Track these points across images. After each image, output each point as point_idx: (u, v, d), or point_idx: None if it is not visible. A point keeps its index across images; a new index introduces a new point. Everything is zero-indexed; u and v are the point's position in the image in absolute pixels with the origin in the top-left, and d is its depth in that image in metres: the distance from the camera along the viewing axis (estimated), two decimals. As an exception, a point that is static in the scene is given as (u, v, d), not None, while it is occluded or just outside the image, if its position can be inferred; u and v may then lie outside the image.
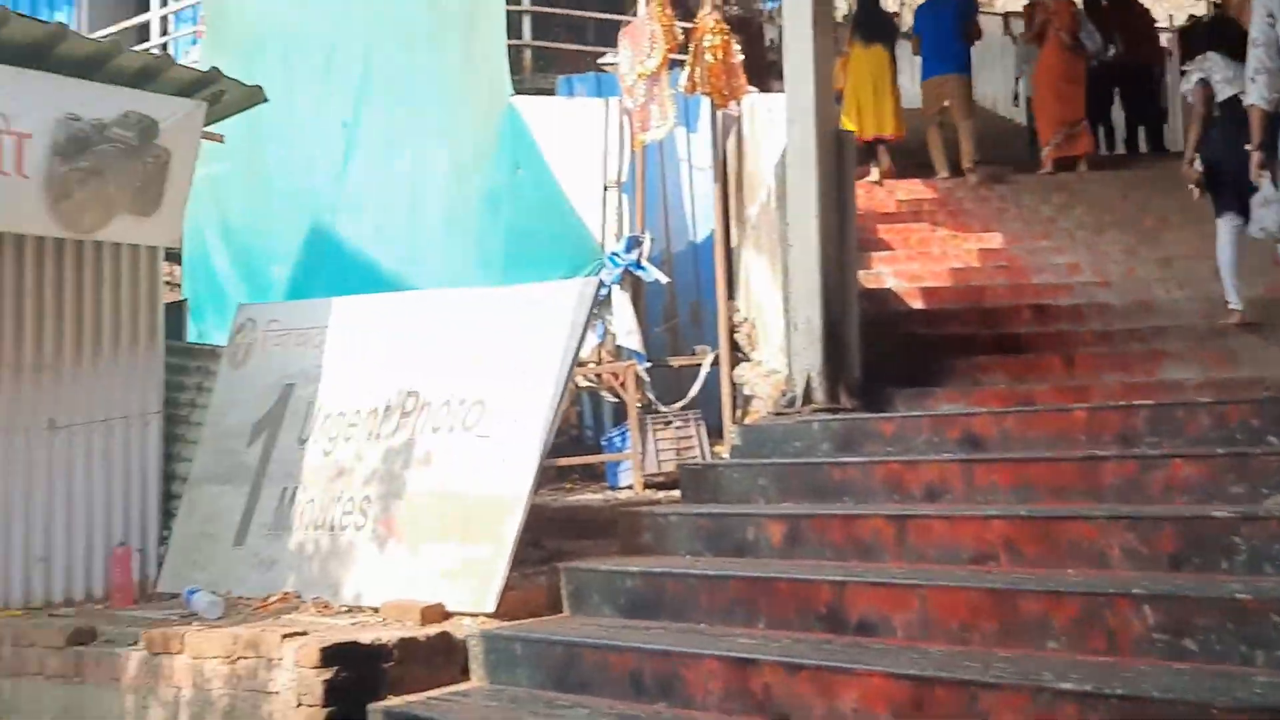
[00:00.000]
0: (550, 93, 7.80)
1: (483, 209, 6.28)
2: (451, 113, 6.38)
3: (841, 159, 4.76)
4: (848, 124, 8.84)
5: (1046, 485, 3.51)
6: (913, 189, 8.68)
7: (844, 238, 4.74)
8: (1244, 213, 5.10)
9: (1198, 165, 5.40)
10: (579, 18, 9.35)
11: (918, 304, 6.01)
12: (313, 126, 6.62)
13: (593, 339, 6.25)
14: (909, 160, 9.31)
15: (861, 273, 6.40)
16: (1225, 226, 5.29)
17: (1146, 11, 9.79)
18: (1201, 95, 5.38)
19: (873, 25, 8.96)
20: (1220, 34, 5.73)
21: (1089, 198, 7.96)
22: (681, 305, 7.42)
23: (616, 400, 6.12)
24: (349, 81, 6.52)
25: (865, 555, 3.47)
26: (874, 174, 8.64)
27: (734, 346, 6.76)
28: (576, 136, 6.37)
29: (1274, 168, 4.32)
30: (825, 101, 4.70)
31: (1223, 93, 5.28)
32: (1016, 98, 11.92)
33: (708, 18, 6.32)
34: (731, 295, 7.15)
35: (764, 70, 14.47)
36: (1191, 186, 5.50)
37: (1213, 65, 5.40)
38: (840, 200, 4.75)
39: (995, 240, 7.08)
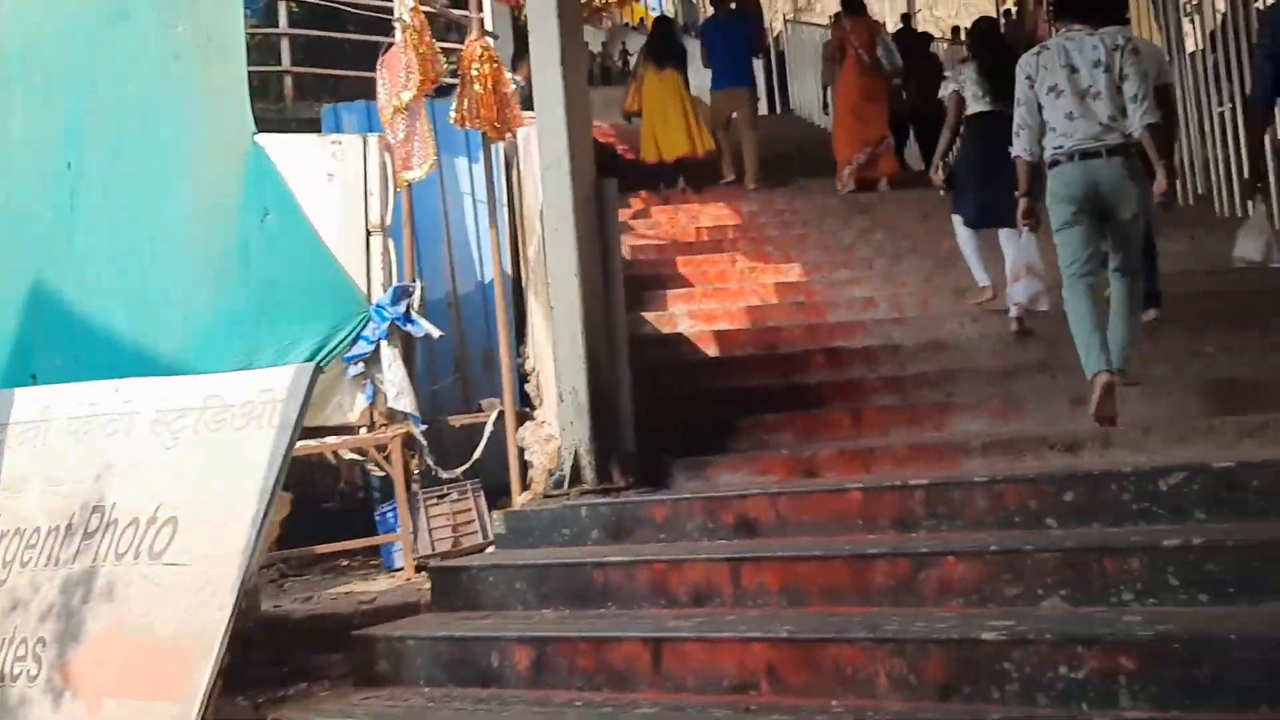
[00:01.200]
0: (315, 123, 7.15)
1: (230, 261, 5.59)
2: (192, 153, 5.67)
3: (603, 211, 4.33)
4: (648, 148, 9.19)
5: (818, 586, 3.16)
6: (718, 214, 8.40)
7: (610, 297, 4.31)
8: (980, 217, 5.61)
9: (943, 172, 5.84)
10: (347, 40, 8.70)
11: (711, 350, 5.65)
12: (32, 166, 5.79)
13: (362, 401, 5.67)
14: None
15: (655, 315, 6.04)
16: (957, 222, 5.77)
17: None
18: (954, 104, 5.71)
19: (665, 50, 9.21)
20: (988, 47, 5.81)
21: (889, 221, 7.83)
22: (473, 353, 6.89)
23: (383, 474, 5.55)
24: (71, 114, 5.72)
25: (619, 684, 3.04)
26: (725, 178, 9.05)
27: (524, 400, 6.29)
28: (333, 176, 5.75)
29: (1039, 213, 4.39)
30: (581, 148, 4.27)
31: (972, 106, 5.63)
32: (827, 106, 12.07)
33: (475, 44, 5.80)
34: (522, 339, 6.69)
35: None
36: (939, 188, 5.95)
37: (966, 78, 5.68)
38: (604, 256, 4.32)
39: (794, 272, 6.82)
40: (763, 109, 19.30)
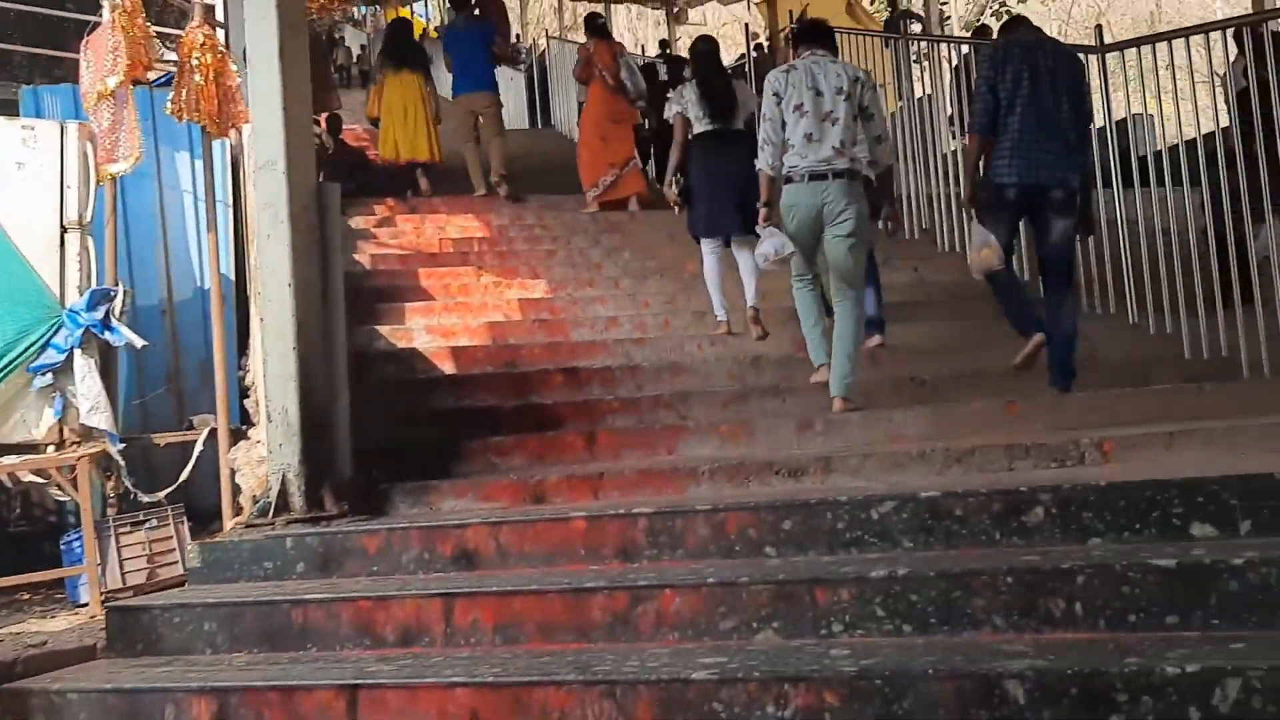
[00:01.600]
0: (13, 105, 6.40)
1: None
2: None
3: (325, 219, 4.02)
4: (387, 146, 9.09)
5: (534, 623, 3.00)
6: (466, 226, 8.16)
7: (329, 312, 4.01)
8: (714, 232, 5.84)
9: (675, 188, 6.10)
10: (52, 17, 7.90)
11: (447, 367, 5.42)
12: None
13: (50, 416, 5.05)
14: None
15: (391, 329, 5.75)
16: (706, 247, 5.92)
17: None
18: (679, 124, 6.00)
19: (403, 52, 9.20)
20: (707, 69, 6.05)
21: (638, 240, 7.83)
22: (190, 365, 6.34)
23: (68, 499, 4.96)
24: None
25: (310, 740, 2.76)
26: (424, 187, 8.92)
27: (245, 416, 5.82)
28: (24, 165, 5.12)
29: (778, 220, 4.77)
30: (299, 149, 3.95)
31: (696, 127, 5.90)
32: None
33: (196, 31, 5.32)
34: (245, 351, 6.20)
35: (328, 88, 13.53)
36: (673, 204, 6.17)
37: (688, 100, 5.93)
38: (325, 267, 4.02)
39: (540, 288, 6.68)
40: (524, 123, 19.34)
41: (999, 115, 4.66)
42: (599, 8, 30.06)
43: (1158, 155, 6.08)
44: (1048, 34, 5.01)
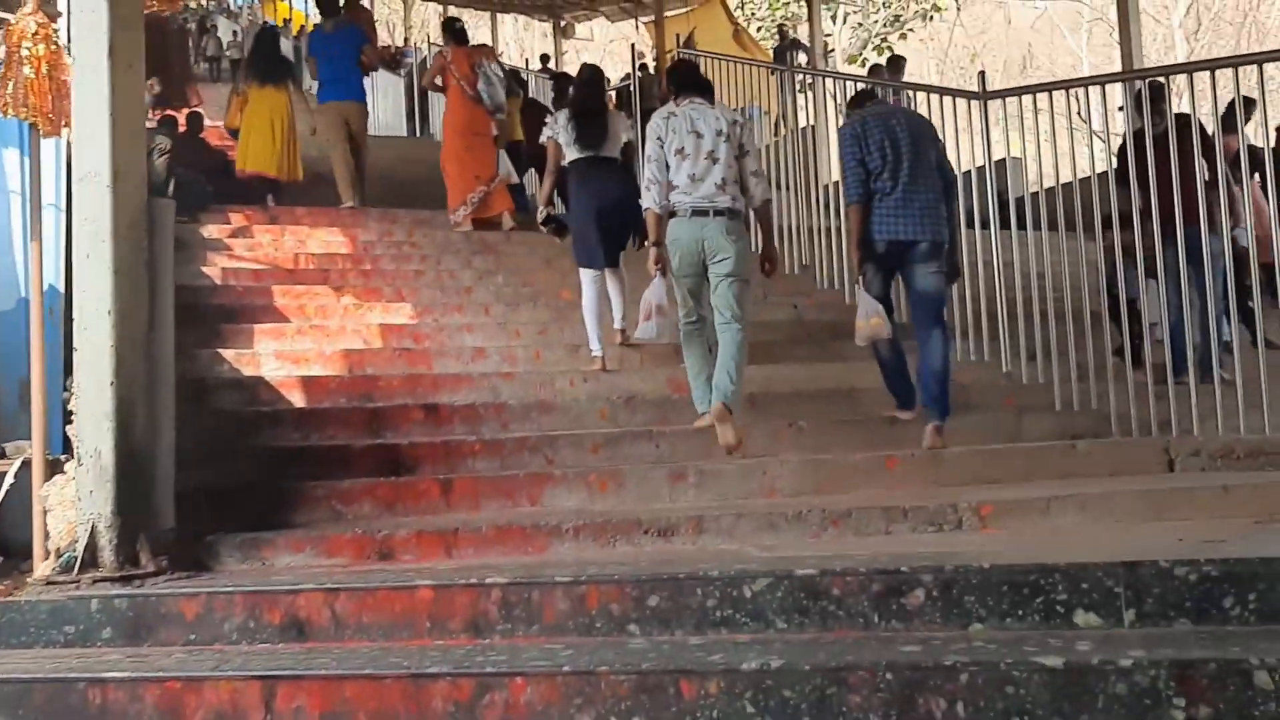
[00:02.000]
0: None
1: None
2: None
3: (155, 238, 3.61)
4: (243, 158, 8.96)
5: (368, 713, 2.66)
6: (329, 241, 7.72)
7: (157, 342, 3.59)
8: (594, 263, 5.80)
9: (544, 212, 6.18)
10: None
11: (296, 399, 5.01)
12: None
13: None
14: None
15: (236, 353, 5.32)
16: (585, 278, 5.84)
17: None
18: (552, 150, 6.02)
19: (268, 66, 9.16)
20: (581, 98, 6.07)
21: (513, 264, 7.54)
22: (8, 384, 5.75)
23: None
24: None
25: None
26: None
27: (68, 447, 5.28)
28: None
29: (666, 259, 4.88)
30: (129, 160, 3.52)
31: (568, 154, 5.90)
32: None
33: (28, 19, 4.81)
34: (70, 371, 5.66)
35: (187, 83, 12.84)
36: (543, 228, 6.26)
37: (560, 128, 5.94)
38: (154, 292, 3.60)
39: (405, 312, 6.31)
40: (402, 131, 18.81)
41: (869, 182, 4.91)
42: (484, 16, 29.69)
43: (1034, 198, 6.11)
44: (892, 103, 5.61)
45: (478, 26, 35.96)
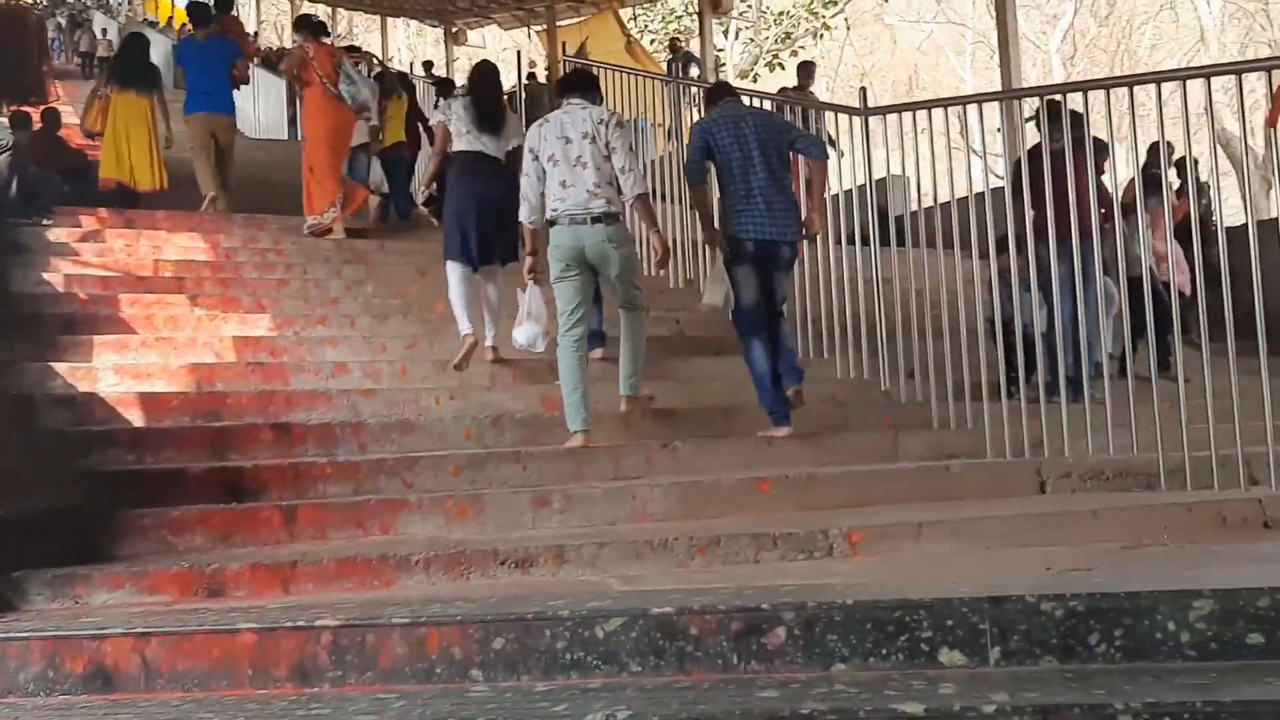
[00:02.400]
0: None
1: None
2: None
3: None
4: (108, 167, 8.61)
5: (170, 776, 2.38)
6: (189, 247, 7.31)
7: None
8: (470, 260, 5.64)
9: (426, 193, 6.07)
10: None
11: (134, 417, 4.63)
12: None
13: None
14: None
15: (71, 367, 4.96)
16: (454, 273, 5.68)
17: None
18: (441, 133, 5.86)
19: (134, 72, 8.87)
20: (488, 91, 5.93)
21: (385, 273, 7.25)
22: None
23: None
24: None
25: None
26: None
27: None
28: None
29: (540, 268, 4.96)
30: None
31: (458, 144, 5.73)
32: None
33: None
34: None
35: (34, 77, 12.15)
36: (423, 208, 6.15)
37: (454, 113, 5.76)
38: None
39: (263, 324, 5.96)
40: (282, 134, 18.22)
41: (718, 173, 5.12)
42: (373, 20, 29.04)
43: (914, 216, 6.09)
44: (748, 105, 5.58)
45: (369, 30, 35.39)
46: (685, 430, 5.11)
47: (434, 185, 6.05)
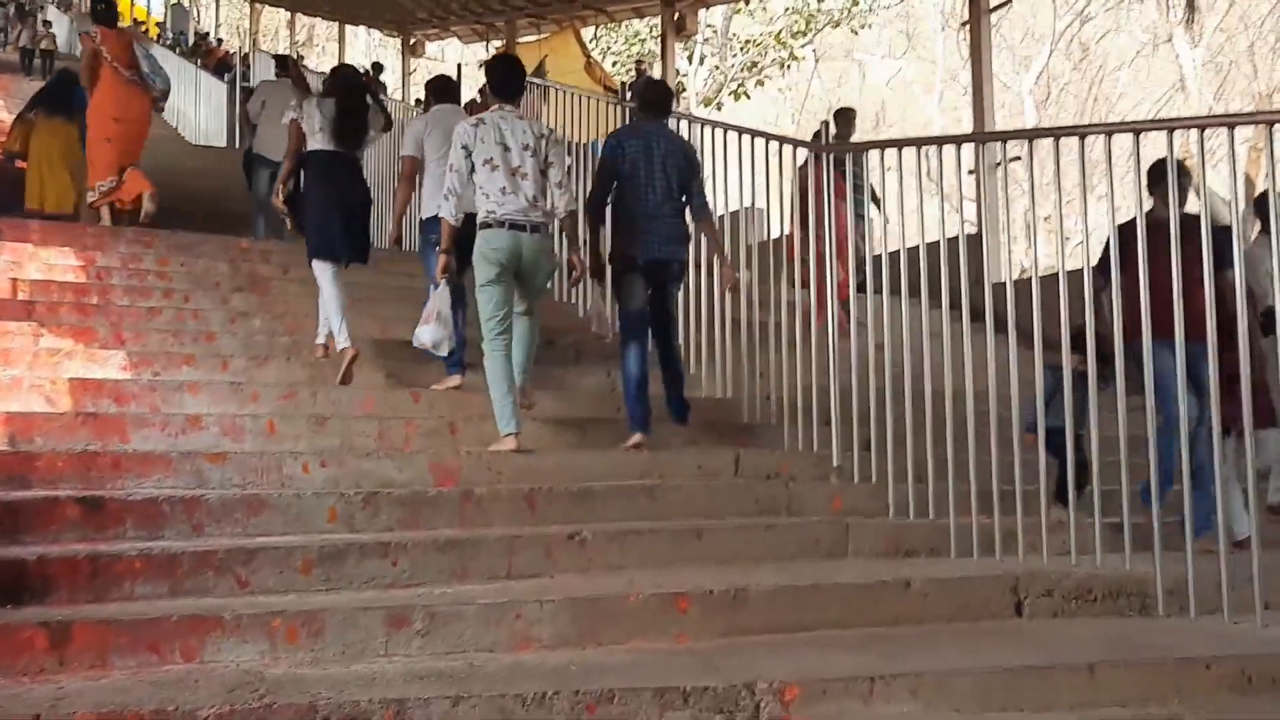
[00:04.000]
0: None
1: None
2: None
3: None
4: (32, 196, 8.59)
5: None
6: (56, 264, 6.41)
7: None
8: (336, 256, 5.52)
9: (284, 192, 5.79)
10: None
11: (-84, 482, 3.75)
12: None
13: None
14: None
15: None
16: (324, 272, 5.50)
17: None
18: (294, 132, 5.76)
19: (57, 97, 8.87)
20: (351, 94, 5.78)
21: (280, 305, 6.43)
22: None
23: None
24: None
25: None
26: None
27: None
28: None
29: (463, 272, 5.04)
30: None
31: (312, 143, 5.61)
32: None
33: None
34: None
35: None
36: (280, 214, 5.88)
37: (310, 113, 5.65)
38: None
39: (116, 363, 5.07)
40: (222, 141, 17.28)
41: (619, 196, 5.20)
42: (331, 26, 28.22)
43: (875, 260, 5.40)
44: (667, 125, 5.55)
45: (329, 39, 34.44)
46: (599, 513, 4.32)
47: (290, 185, 5.84)
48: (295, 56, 12.88)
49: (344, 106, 5.64)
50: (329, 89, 5.84)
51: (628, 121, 7.64)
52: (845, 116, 8.22)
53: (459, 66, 10.41)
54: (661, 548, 4.11)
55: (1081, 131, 4.58)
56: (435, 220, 5.50)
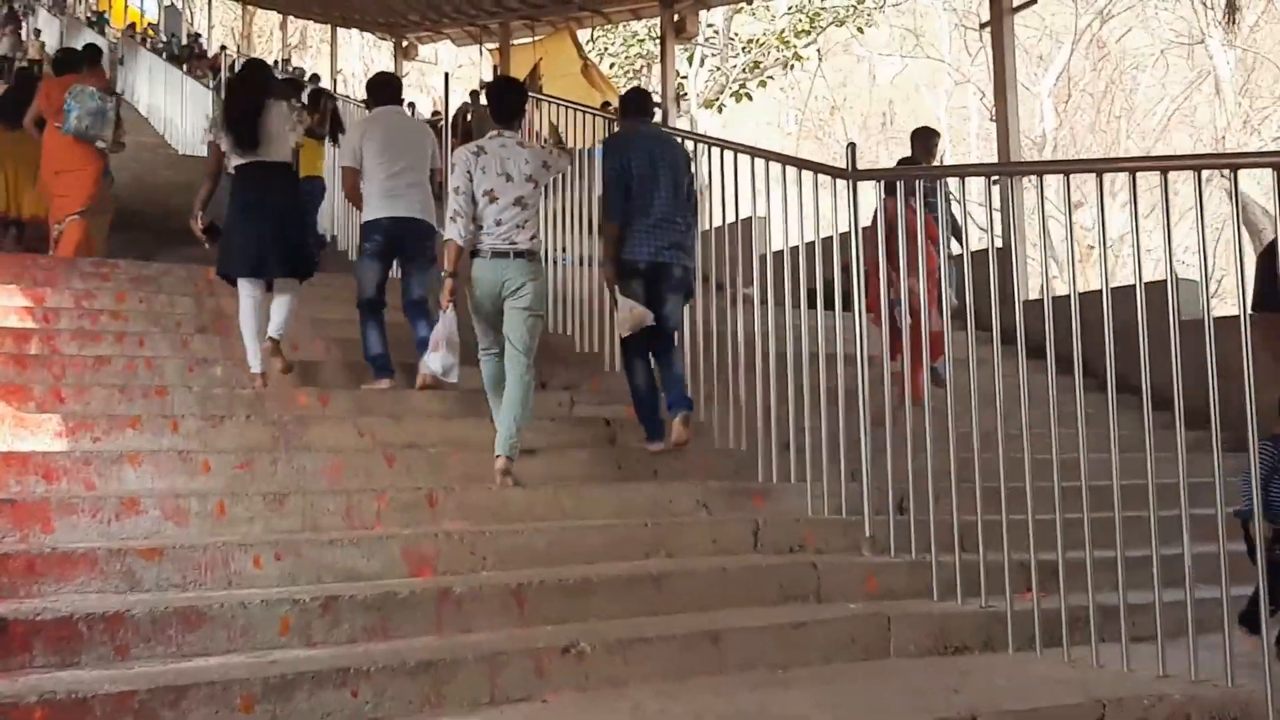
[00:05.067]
0: None
1: None
2: None
3: None
4: (2, 202, 8.48)
5: None
6: (5, 301, 5.80)
7: None
8: (257, 271, 5.34)
9: (201, 218, 5.54)
10: None
11: None
12: None
13: None
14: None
15: None
16: (244, 291, 5.36)
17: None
18: (213, 153, 5.56)
19: (17, 105, 8.58)
20: (242, 105, 5.47)
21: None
22: None
23: None
24: None
25: None
26: None
27: None
28: None
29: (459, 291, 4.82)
30: None
31: (234, 159, 5.42)
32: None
33: None
34: None
35: None
36: (198, 236, 5.61)
37: (218, 131, 5.46)
38: None
39: (49, 428, 4.42)
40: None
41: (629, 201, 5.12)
42: (324, 29, 27.65)
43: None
44: (662, 127, 5.87)
45: (322, 41, 33.83)
46: (601, 611, 3.74)
47: (203, 210, 5.59)
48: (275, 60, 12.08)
49: (231, 110, 5.44)
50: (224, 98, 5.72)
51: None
52: (925, 139, 7.15)
53: (445, 76, 9.64)
54: (672, 655, 3.52)
55: (1133, 166, 3.96)
56: (373, 224, 5.63)
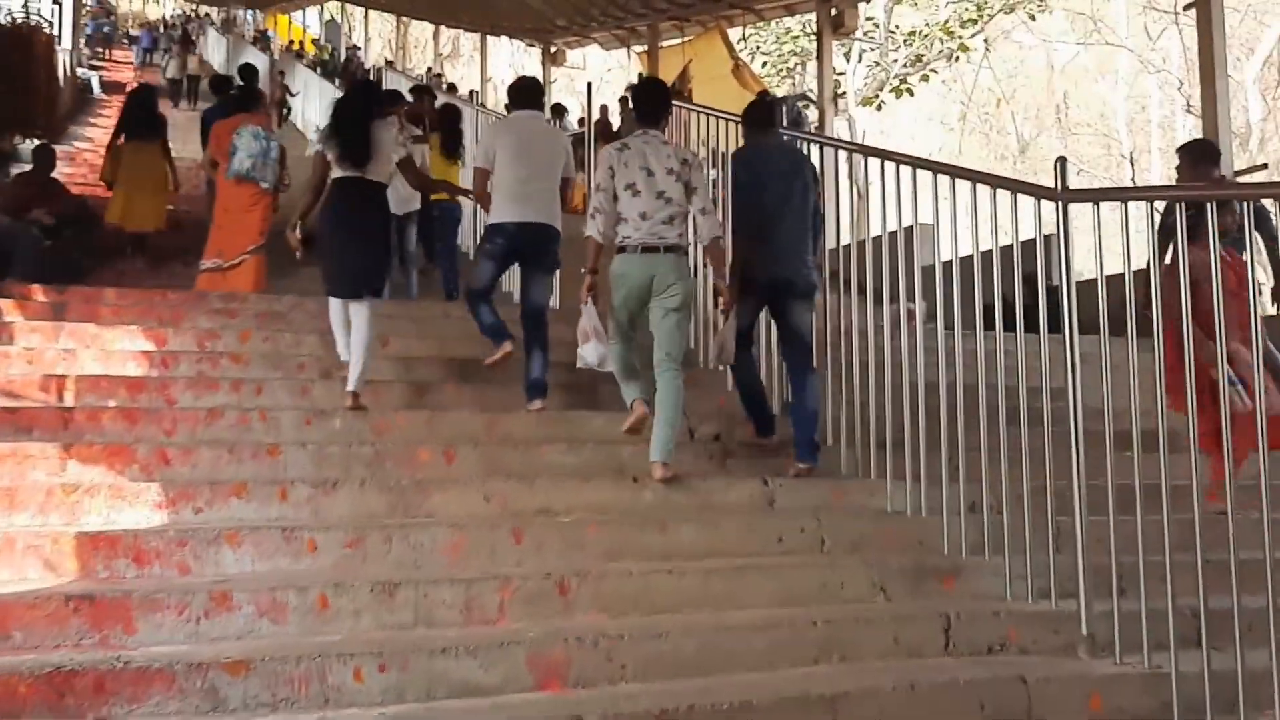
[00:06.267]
0: None
1: None
2: None
3: None
4: (113, 211, 9.05)
5: None
6: (121, 347, 5.52)
7: None
8: (351, 288, 5.34)
9: (299, 232, 5.55)
10: None
11: None
12: None
13: None
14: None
15: None
16: (334, 305, 5.45)
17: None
18: (319, 164, 5.48)
19: (143, 123, 9.21)
20: (344, 121, 5.45)
21: (374, 394, 5.29)
22: None
23: None
24: None
25: None
26: None
27: None
28: None
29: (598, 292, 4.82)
30: None
31: (336, 172, 5.37)
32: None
33: None
34: None
35: (47, 102, 11.89)
36: (294, 249, 5.59)
37: (324, 142, 5.48)
38: None
39: (148, 499, 4.01)
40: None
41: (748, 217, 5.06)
42: (475, 38, 27.78)
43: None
44: (782, 137, 5.53)
45: (474, 49, 34.10)
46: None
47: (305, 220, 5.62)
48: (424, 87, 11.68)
49: (340, 127, 5.40)
50: (331, 115, 5.63)
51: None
52: (1201, 154, 5.64)
53: (588, 85, 9.11)
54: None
55: None
56: (498, 227, 5.54)
